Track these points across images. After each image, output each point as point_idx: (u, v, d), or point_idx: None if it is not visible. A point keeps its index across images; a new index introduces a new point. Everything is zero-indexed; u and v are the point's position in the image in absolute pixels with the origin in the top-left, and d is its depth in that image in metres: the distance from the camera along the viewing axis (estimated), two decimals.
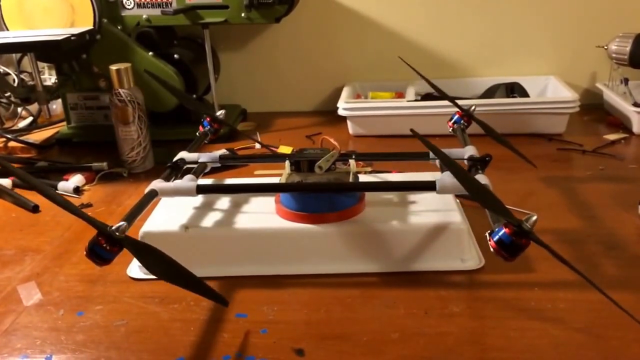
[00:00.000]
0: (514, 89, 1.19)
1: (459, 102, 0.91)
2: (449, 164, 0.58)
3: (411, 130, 0.61)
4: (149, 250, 0.58)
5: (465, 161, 0.77)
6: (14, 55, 1.31)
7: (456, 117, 0.90)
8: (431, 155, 0.80)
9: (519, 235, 0.54)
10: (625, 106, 1.14)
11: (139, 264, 0.73)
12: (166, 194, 0.72)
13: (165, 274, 0.58)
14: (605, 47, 1.21)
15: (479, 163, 0.75)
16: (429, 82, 0.88)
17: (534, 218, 0.54)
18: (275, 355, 0.57)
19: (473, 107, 0.89)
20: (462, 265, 0.70)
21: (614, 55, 1.18)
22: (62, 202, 0.57)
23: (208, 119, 0.93)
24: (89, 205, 0.93)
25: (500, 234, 0.55)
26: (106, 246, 0.57)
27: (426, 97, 1.24)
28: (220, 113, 0.94)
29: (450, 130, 0.91)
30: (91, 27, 1.10)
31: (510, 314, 0.61)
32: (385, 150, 1.07)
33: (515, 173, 0.96)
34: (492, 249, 0.56)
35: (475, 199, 0.59)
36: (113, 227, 0.57)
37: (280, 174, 0.76)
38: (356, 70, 1.37)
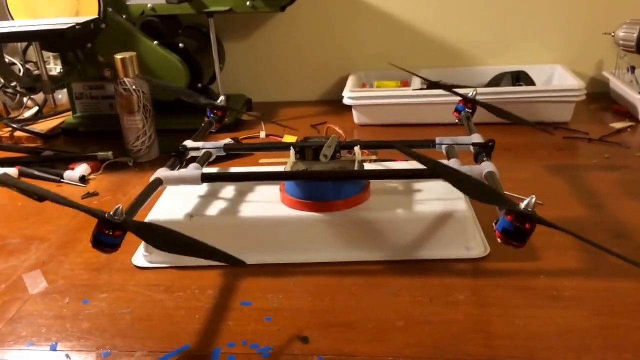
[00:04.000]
0: (520, 78, 1.19)
1: (460, 90, 0.90)
2: (433, 166, 0.57)
3: (396, 145, 0.59)
4: (152, 229, 0.58)
5: (472, 148, 0.77)
6: (19, 45, 1.31)
7: (460, 105, 0.90)
8: (437, 142, 0.80)
9: (522, 220, 0.54)
10: (632, 95, 1.13)
11: (145, 252, 0.73)
12: (171, 183, 0.72)
13: (174, 247, 0.58)
14: (613, 34, 1.20)
15: (485, 150, 0.74)
16: (423, 79, 0.87)
17: (533, 200, 0.54)
18: (280, 343, 0.57)
19: (474, 92, 0.88)
20: (467, 253, 0.69)
21: (621, 42, 1.17)
22: (57, 198, 0.57)
23: (210, 108, 0.92)
24: (95, 194, 0.94)
25: (503, 223, 0.55)
26: (109, 232, 0.57)
27: (432, 86, 1.23)
28: (220, 100, 0.93)
29: (457, 120, 0.90)
30: (96, 16, 1.10)
31: (516, 302, 0.61)
32: (390, 139, 1.06)
33: (521, 161, 0.96)
34: (499, 240, 0.55)
35: (471, 196, 0.58)
36: (111, 212, 0.57)
37: (285, 163, 0.75)
38: (361, 60, 1.37)
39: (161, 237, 0.57)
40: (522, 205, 0.54)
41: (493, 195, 0.56)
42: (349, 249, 0.71)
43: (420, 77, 0.87)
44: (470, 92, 0.89)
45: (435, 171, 0.58)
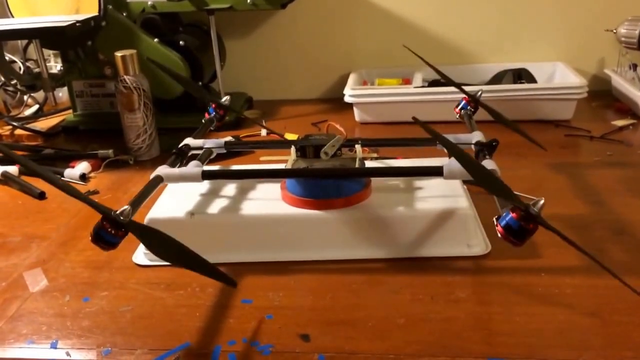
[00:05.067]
0: (522, 75, 1.18)
1: (466, 88, 0.90)
2: (451, 148, 0.58)
3: (413, 118, 0.61)
4: (154, 234, 0.58)
5: (473, 147, 0.76)
6: (19, 42, 1.31)
7: (463, 103, 0.89)
8: None
9: (527, 219, 0.54)
10: (633, 92, 1.13)
11: (145, 250, 0.73)
12: (172, 180, 0.72)
13: (171, 256, 0.58)
14: (614, 31, 1.19)
15: (486, 148, 0.74)
16: (434, 69, 0.87)
17: (541, 202, 0.54)
18: (281, 341, 0.57)
19: (479, 93, 0.88)
20: (468, 251, 0.69)
21: (622, 39, 1.17)
22: (66, 187, 0.57)
23: (213, 105, 0.93)
24: (95, 192, 0.94)
25: (508, 218, 0.55)
26: (111, 230, 0.57)
27: (433, 83, 1.23)
28: (225, 99, 0.94)
29: (457, 117, 0.90)
30: (96, 13, 1.10)
31: (517, 300, 0.61)
32: (392, 137, 1.06)
33: (523, 159, 0.95)
34: (499, 234, 0.56)
35: (481, 184, 0.58)
36: (117, 212, 0.57)
37: (286, 160, 0.75)
38: (362, 57, 1.36)
39: (162, 245, 0.57)
40: (531, 205, 0.54)
41: (503, 189, 0.56)
42: (350, 246, 0.70)
43: (429, 65, 0.87)
44: (476, 91, 0.89)
45: (448, 146, 0.58)
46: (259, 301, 0.63)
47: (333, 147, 0.73)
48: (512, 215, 0.55)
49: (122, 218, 0.57)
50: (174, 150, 0.80)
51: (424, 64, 0.88)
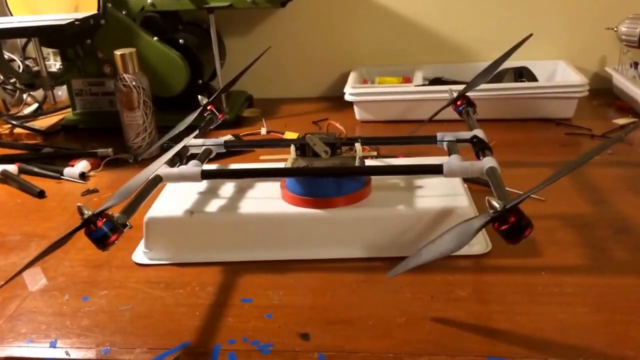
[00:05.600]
0: (523, 74, 1.18)
1: (462, 86, 0.90)
2: None
3: None
4: None
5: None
6: (18, 41, 1.31)
7: (459, 108, 0.89)
8: (438, 138, 0.79)
9: (503, 219, 0.53)
10: (634, 90, 1.12)
11: (145, 249, 0.73)
12: (171, 180, 0.72)
13: None
14: (615, 29, 1.19)
15: (486, 145, 0.74)
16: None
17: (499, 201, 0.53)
18: (281, 340, 0.57)
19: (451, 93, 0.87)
20: (468, 249, 0.69)
21: (623, 37, 1.17)
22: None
23: (210, 107, 0.92)
24: (95, 191, 0.93)
25: (500, 232, 0.54)
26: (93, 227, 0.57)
27: (434, 81, 1.23)
28: (200, 98, 0.93)
29: (457, 114, 0.90)
30: (95, 12, 1.09)
31: (517, 299, 0.61)
32: (392, 135, 1.06)
33: (523, 157, 0.95)
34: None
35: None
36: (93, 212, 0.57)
37: (285, 159, 0.75)
38: (363, 56, 1.36)
39: None
40: (495, 208, 0.53)
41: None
42: (350, 245, 0.70)
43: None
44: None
45: None
46: (258, 300, 0.63)
47: (315, 145, 0.72)
48: (495, 226, 0.54)
49: (87, 212, 0.57)
50: (166, 144, 0.79)
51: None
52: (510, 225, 0.53)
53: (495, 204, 0.53)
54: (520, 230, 0.53)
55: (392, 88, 1.18)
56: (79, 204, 0.58)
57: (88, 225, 0.57)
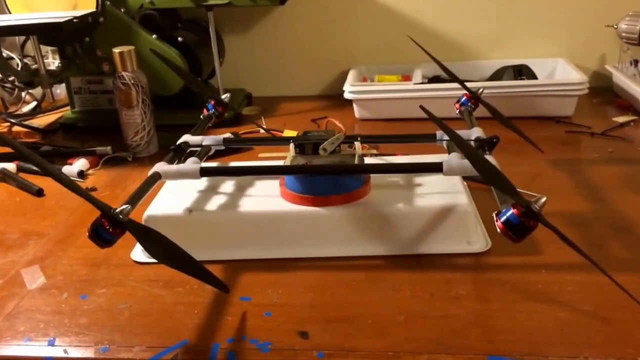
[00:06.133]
0: (522, 71, 1.18)
1: (467, 84, 0.90)
2: (457, 141, 0.57)
3: (421, 106, 0.60)
4: (151, 234, 0.57)
5: (473, 143, 0.76)
6: (17, 39, 1.30)
7: (463, 99, 0.89)
8: (438, 136, 0.79)
9: (527, 216, 0.54)
10: (634, 88, 1.12)
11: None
12: (170, 177, 0.72)
13: (168, 259, 0.58)
14: (615, 27, 1.19)
15: (487, 144, 0.74)
16: (438, 63, 0.86)
17: (543, 200, 0.54)
18: (280, 338, 0.57)
19: (481, 90, 0.88)
20: (468, 247, 0.69)
21: (623, 34, 1.17)
22: (68, 182, 0.57)
23: (212, 102, 0.92)
24: (93, 189, 0.93)
25: (508, 214, 0.54)
26: (109, 228, 0.56)
27: (433, 79, 1.23)
28: (225, 96, 0.93)
29: (457, 113, 0.90)
30: (94, 9, 1.09)
31: (517, 297, 0.60)
32: (391, 133, 1.05)
33: (523, 156, 0.95)
34: (499, 230, 0.55)
35: (484, 177, 0.58)
36: (117, 210, 0.57)
37: (284, 157, 0.75)
38: (362, 54, 1.36)
39: (159, 246, 0.57)
40: (532, 202, 0.53)
41: (506, 183, 0.55)
42: (349, 243, 0.70)
43: (434, 59, 0.85)
44: (477, 88, 0.88)
45: (452, 137, 0.58)
46: (257, 298, 0.63)
47: (332, 144, 0.72)
48: (513, 211, 0.54)
49: (121, 217, 0.56)
50: (172, 147, 0.79)
51: (423, 60, 0.88)
52: (523, 225, 0.53)
53: (534, 202, 0.54)
54: (527, 230, 0.54)
55: (391, 86, 1.18)
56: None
57: (110, 219, 0.56)
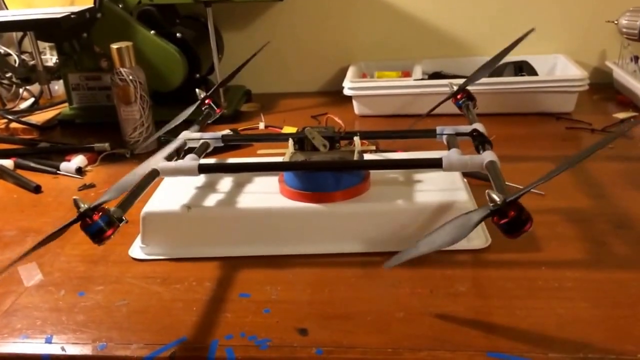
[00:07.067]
0: (522, 68, 1.17)
1: (462, 80, 0.89)
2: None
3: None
4: None
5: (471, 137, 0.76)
6: (14, 35, 1.30)
7: (458, 102, 0.89)
8: (438, 131, 0.79)
9: (503, 213, 0.53)
10: (635, 84, 1.12)
11: (141, 244, 0.72)
12: (168, 174, 0.71)
13: None
14: (616, 22, 1.18)
15: (485, 139, 0.73)
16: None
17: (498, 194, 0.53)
18: (278, 335, 0.56)
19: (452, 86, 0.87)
20: (467, 244, 0.69)
21: (624, 30, 1.16)
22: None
23: (208, 101, 0.91)
24: (91, 185, 0.93)
25: (499, 226, 0.54)
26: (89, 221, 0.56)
27: (433, 76, 1.22)
28: (199, 92, 0.92)
29: (456, 107, 0.89)
30: (91, 5, 1.08)
31: (517, 293, 0.60)
32: (391, 129, 1.05)
33: (523, 152, 0.94)
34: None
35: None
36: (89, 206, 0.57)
37: (283, 153, 0.74)
38: (362, 50, 1.35)
39: None
40: (495, 202, 0.53)
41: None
42: (348, 240, 0.70)
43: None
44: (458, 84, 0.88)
45: None
46: (256, 295, 0.63)
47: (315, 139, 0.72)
48: (494, 220, 0.53)
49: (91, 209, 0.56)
50: (164, 137, 0.79)
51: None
52: (510, 219, 0.53)
53: (495, 197, 0.53)
54: (520, 225, 0.53)
55: (391, 82, 1.17)
56: (75, 198, 0.57)
57: (84, 218, 0.56)
